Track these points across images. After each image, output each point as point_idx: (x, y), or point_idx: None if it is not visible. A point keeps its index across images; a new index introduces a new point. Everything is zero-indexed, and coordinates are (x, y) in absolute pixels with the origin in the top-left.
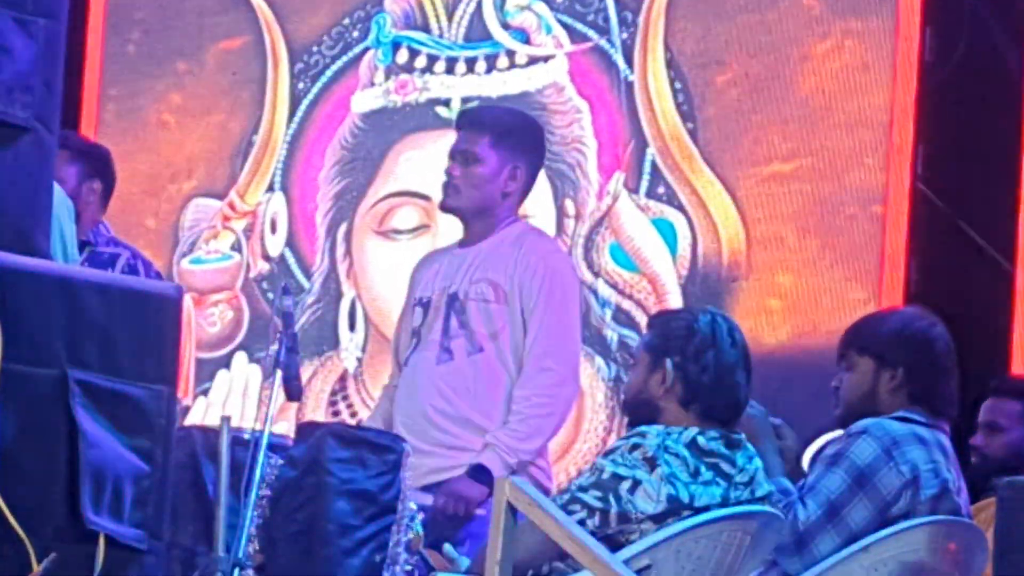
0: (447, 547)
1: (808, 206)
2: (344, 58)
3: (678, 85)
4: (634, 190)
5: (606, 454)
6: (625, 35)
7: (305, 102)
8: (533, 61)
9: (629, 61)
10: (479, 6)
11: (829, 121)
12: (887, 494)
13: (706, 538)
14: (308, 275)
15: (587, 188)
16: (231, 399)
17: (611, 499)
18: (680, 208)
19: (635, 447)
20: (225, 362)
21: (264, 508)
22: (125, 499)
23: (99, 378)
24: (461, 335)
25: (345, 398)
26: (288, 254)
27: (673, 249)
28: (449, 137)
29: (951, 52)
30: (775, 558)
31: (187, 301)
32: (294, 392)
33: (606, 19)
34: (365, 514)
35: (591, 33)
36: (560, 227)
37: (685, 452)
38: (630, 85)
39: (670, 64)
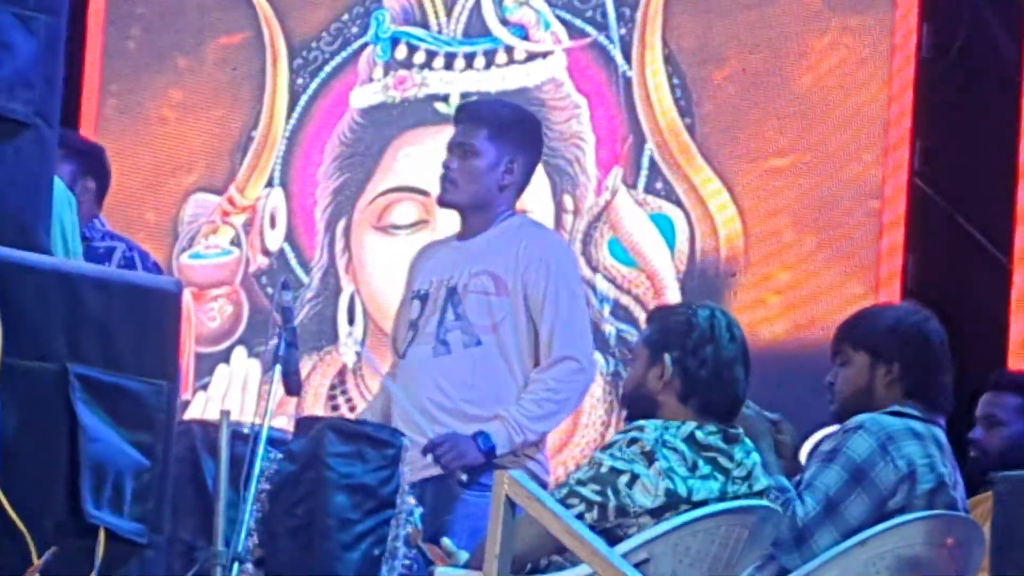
0: (446, 540)
1: (806, 201)
2: (343, 54)
3: (676, 81)
4: (632, 185)
5: (604, 448)
6: (623, 31)
7: (304, 98)
8: (531, 57)
9: (627, 57)
10: (478, 2)
11: (827, 116)
12: (884, 489)
13: (704, 532)
14: (307, 270)
15: (585, 183)
16: (230, 394)
17: (609, 493)
18: (678, 203)
19: (633, 441)
20: (224, 357)
21: (263, 502)
22: (125, 493)
23: (99, 373)
24: (458, 328)
25: (344, 392)
26: (287, 249)
27: (671, 244)
28: (448, 133)
29: (948, 47)
30: (773, 554)
31: (186, 296)
32: (293, 387)
33: (604, 15)
34: (364, 508)
35: (589, 29)
36: (558, 222)
37: (683, 446)
38: (628, 81)
39: (668, 60)
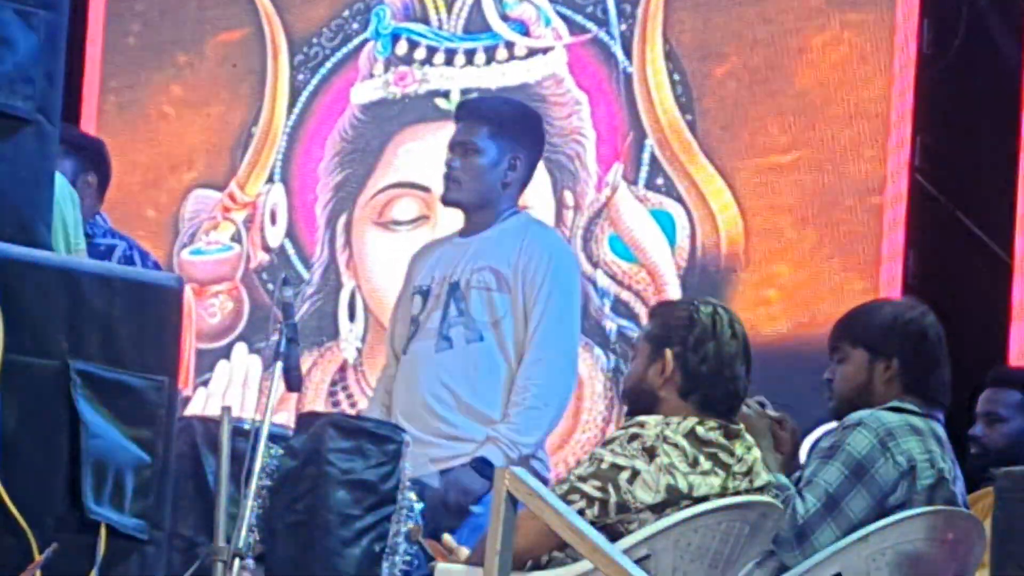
0: (446, 536)
1: (806, 197)
2: (344, 50)
3: (677, 77)
4: (633, 181)
5: (605, 444)
6: (624, 27)
7: (305, 94)
8: (532, 53)
9: (628, 53)
10: None
11: (827, 113)
12: (884, 485)
13: (705, 528)
14: (308, 266)
15: (586, 179)
16: (231, 389)
17: (610, 489)
18: (679, 199)
19: (634, 437)
20: (225, 353)
21: (264, 498)
22: (126, 489)
23: (100, 368)
24: (460, 323)
25: (345, 388)
26: (288, 245)
27: (672, 240)
28: (448, 129)
29: (949, 43)
30: (774, 550)
31: (187, 292)
32: (294, 382)
33: (605, 11)
34: (365, 504)
35: (590, 25)
36: (559, 218)
37: (684, 442)
38: (629, 77)
39: (669, 56)
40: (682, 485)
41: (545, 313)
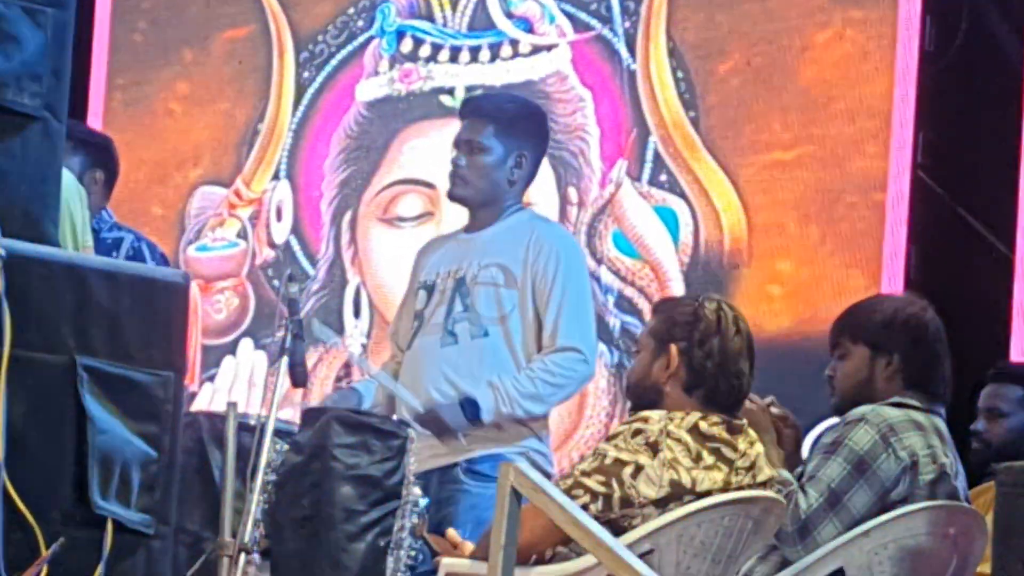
0: (451, 531)
1: (809, 194)
2: (349, 47)
3: (680, 74)
4: (636, 178)
5: (608, 439)
6: (627, 24)
7: (310, 91)
8: (536, 50)
9: (631, 50)
10: None
11: (830, 109)
12: (886, 480)
13: (708, 523)
14: (313, 262)
15: (590, 176)
16: (237, 385)
17: (614, 484)
18: (682, 196)
19: (637, 432)
20: (231, 348)
21: (270, 493)
22: (132, 484)
23: (107, 364)
24: (466, 319)
25: (349, 384)
26: (293, 241)
27: (675, 236)
28: (453, 125)
29: (951, 41)
30: (777, 545)
31: (193, 288)
32: (299, 378)
33: (608, 8)
34: (370, 499)
35: (594, 22)
36: (563, 215)
37: (687, 437)
38: (632, 74)
39: (672, 53)
40: (685, 480)
41: (563, 307)
